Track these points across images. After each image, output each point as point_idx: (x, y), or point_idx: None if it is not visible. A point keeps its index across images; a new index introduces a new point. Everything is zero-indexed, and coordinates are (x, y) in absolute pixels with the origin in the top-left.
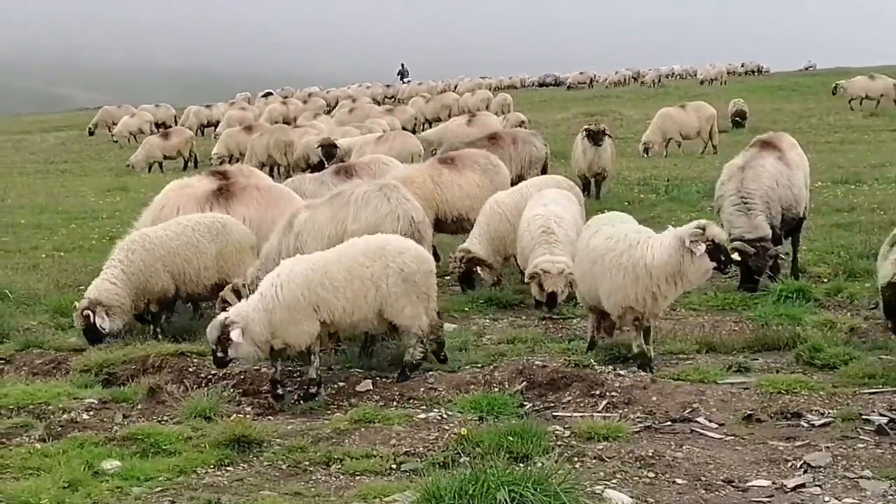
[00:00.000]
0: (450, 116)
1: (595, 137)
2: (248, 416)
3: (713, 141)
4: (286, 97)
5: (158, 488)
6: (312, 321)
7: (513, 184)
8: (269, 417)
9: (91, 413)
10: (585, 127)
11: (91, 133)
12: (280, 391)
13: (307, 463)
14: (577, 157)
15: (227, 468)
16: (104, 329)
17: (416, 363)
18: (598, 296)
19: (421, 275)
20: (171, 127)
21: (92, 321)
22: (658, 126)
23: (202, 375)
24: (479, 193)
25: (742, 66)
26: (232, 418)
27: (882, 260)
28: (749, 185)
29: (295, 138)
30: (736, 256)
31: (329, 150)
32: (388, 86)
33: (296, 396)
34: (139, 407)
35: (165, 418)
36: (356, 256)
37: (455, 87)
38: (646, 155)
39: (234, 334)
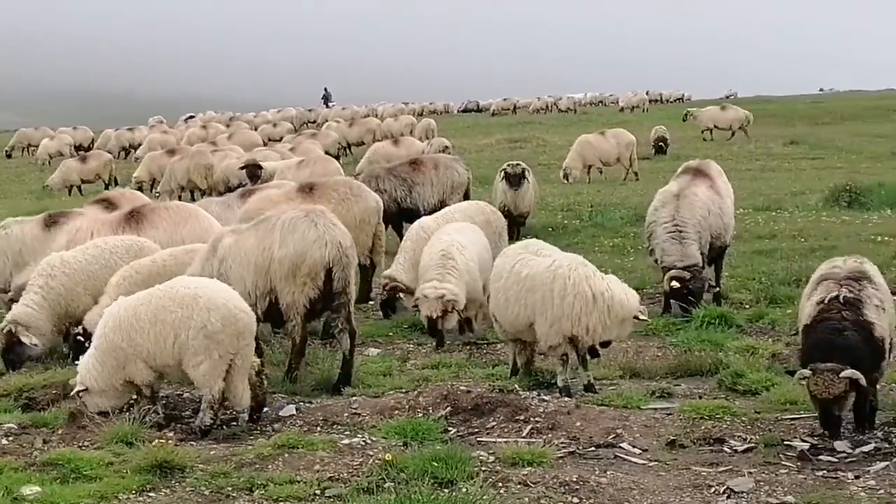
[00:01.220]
0: (373, 141)
1: (512, 181)
2: (170, 441)
3: (633, 168)
4: (207, 121)
5: None
6: (135, 361)
7: (435, 209)
8: (192, 443)
9: (10, 438)
10: (504, 168)
11: (8, 156)
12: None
13: (230, 489)
14: (497, 195)
15: (149, 494)
16: (27, 351)
17: (206, 429)
18: (526, 324)
19: (227, 335)
20: (89, 150)
21: (12, 344)
22: (578, 153)
23: None
24: None
25: (661, 94)
26: (154, 443)
27: (805, 300)
28: (684, 214)
29: (215, 161)
30: (675, 284)
31: (253, 170)
32: (310, 110)
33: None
34: (59, 432)
35: (86, 443)
36: (165, 300)
37: (378, 113)
38: (566, 181)
39: (75, 392)
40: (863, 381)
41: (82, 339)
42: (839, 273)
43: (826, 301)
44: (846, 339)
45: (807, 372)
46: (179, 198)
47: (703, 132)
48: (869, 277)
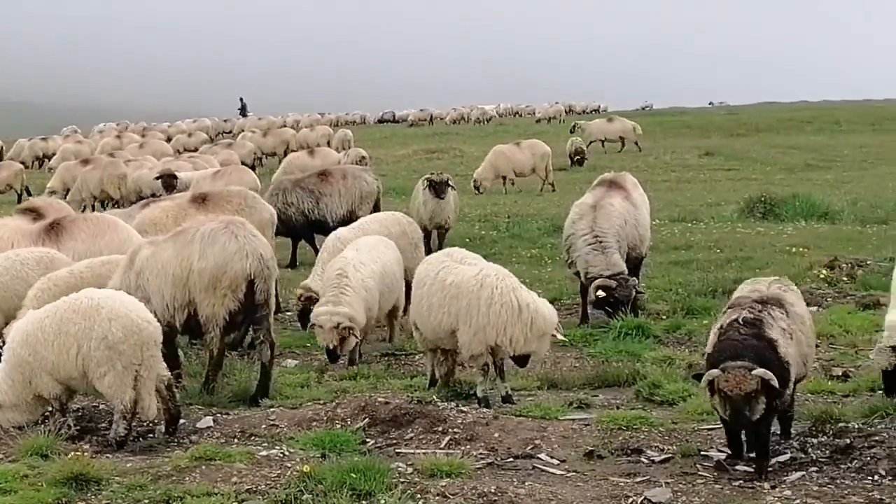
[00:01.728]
0: (288, 151)
1: (438, 189)
2: (86, 453)
3: (548, 179)
4: (121, 131)
5: None
6: (40, 374)
7: (344, 220)
8: (108, 455)
9: None
10: (427, 177)
11: None
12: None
13: (147, 501)
14: (417, 206)
15: None
16: None
17: (121, 440)
18: (448, 332)
19: (129, 346)
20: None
21: None
22: (491, 163)
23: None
24: None
25: (575, 105)
26: (70, 456)
27: (713, 327)
28: (602, 224)
29: (128, 172)
30: (601, 293)
31: (168, 180)
32: (225, 120)
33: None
34: None
35: (1, 456)
36: (69, 312)
37: (293, 124)
38: (477, 192)
39: None
40: (775, 383)
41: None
42: (747, 298)
43: (726, 325)
44: (752, 344)
45: (716, 371)
46: (93, 208)
47: (589, 144)
48: (780, 302)
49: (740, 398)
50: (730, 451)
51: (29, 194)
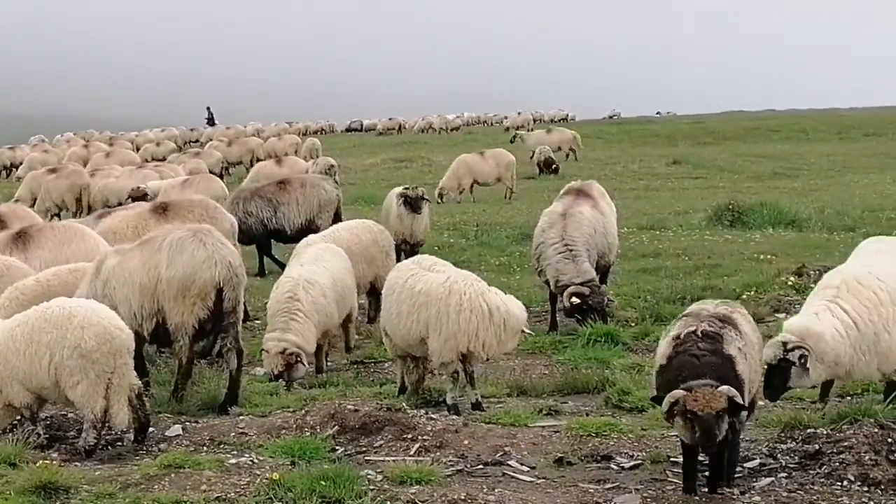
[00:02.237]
0: (254, 161)
1: (413, 205)
2: (54, 462)
3: (511, 187)
4: (88, 140)
5: None
6: (11, 384)
7: (302, 229)
8: (77, 463)
9: None
10: (402, 192)
11: None
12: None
13: None
14: (391, 221)
15: None
16: None
17: (90, 449)
18: (418, 339)
19: (102, 354)
20: None
21: None
22: (454, 172)
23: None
24: None
25: (543, 115)
26: (38, 464)
27: (663, 337)
28: (572, 233)
29: (90, 181)
30: (575, 300)
31: (140, 198)
32: (192, 129)
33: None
34: None
35: None
36: (40, 321)
37: (259, 132)
38: (440, 201)
39: None
40: (740, 400)
41: None
42: (702, 313)
43: (682, 336)
44: (712, 362)
45: (680, 392)
46: (59, 216)
47: (531, 157)
48: (735, 324)
49: (711, 417)
50: (683, 483)
51: None
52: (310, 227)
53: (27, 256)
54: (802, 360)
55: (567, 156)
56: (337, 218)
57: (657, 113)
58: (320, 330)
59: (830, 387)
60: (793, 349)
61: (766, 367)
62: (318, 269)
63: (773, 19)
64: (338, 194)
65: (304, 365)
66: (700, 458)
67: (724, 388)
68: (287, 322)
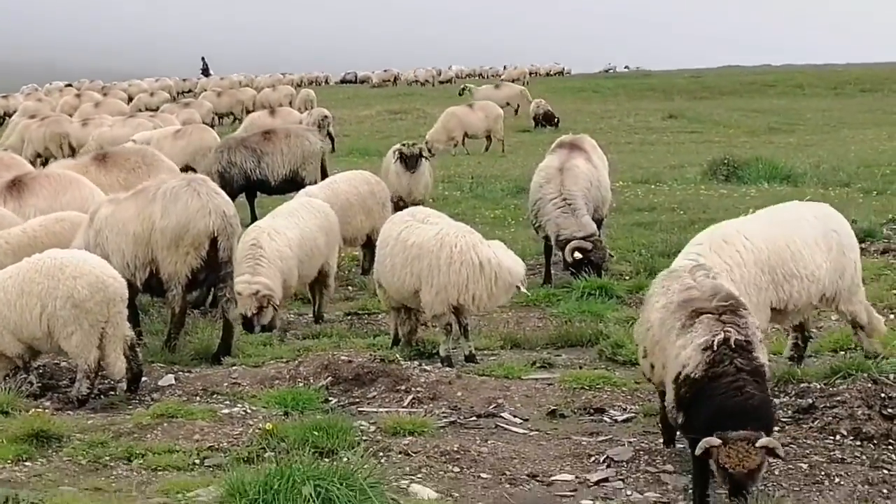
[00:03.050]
0: (246, 112)
1: (409, 163)
2: (47, 410)
3: (499, 138)
4: (80, 90)
5: None
6: (2, 334)
7: (286, 180)
8: (69, 412)
9: None
10: (397, 148)
11: None
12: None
13: (108, 458)
14: (389, 179)
15: (26, 463)
16: None
17: (83, 399)
18: (412, 292)
19: (95, 303)
20: None
21: None
22: (443, 125)
23: None
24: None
25: (539, 68)
26: (30, 413)
27: (674, 337)
28: (570, 187)
29: (70, 130)
30: (577, 255)
31: None
32: (184, 80)
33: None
34: None
35: None
36: (31, 272)
37: (255, 83)
38: (430, 154)
39: None
40: (780, 452)
41: None
42: (708, 300)
43: (715, 347)
44: (754, 400)
45: (716, 441)
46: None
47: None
48: (739, 300)
49: (743, 475)
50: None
51: None
52: (294, 179)
53: (21, 205)
54: None
55: (515, 111)
56: (322, 169)
57: (607, 69)
58: (281, 282)
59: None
60: None
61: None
62: (289, 222)
63: None
64: (322, 146)
65: (274, 309)
66: None
67: (765, 440)
68: (254, 266)
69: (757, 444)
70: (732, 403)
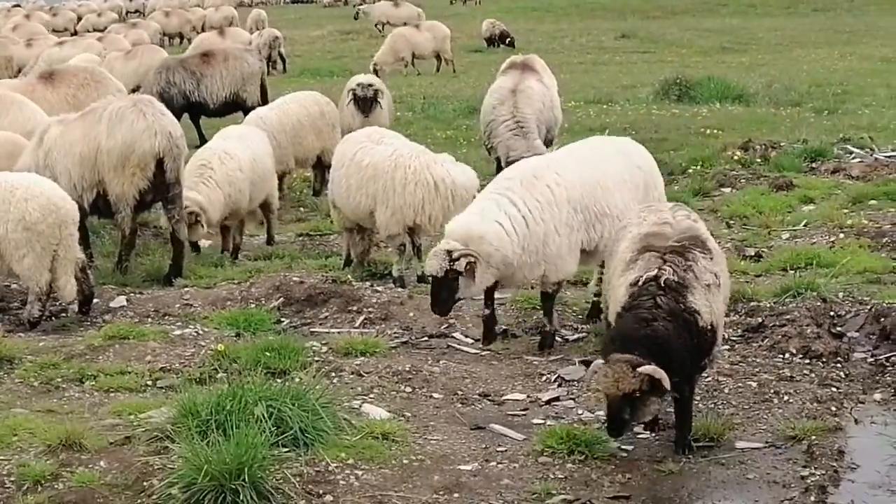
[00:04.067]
0: (196, 32)
1: (363, 107)
2: None
3: (448, 60)
4: (29, 13)
5: None
6: None
7: (227, 102)
8: (21, 334)
9: None
10: (351, 89)
11: None
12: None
13: (60, 380)
14: (343, 116)
15: None
16: None
17: (34, 321)
18: (367, 213)
19: (47, 226)
20: None
21: None
22: (390, 46)
23: None
24: (69, 110)
25: None
26: None
27: (619, 273)
28: (524, 109)
29: (15, 52)
30: None
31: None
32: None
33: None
34: None
35: None
36: None
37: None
38: (374, 74)
39: None
40: (666, 384)
41: None
42: (666, 237)
43: (640, 284)
44: (656, 334)
45: (599, 362)
46: None
47: (375, 26)
48: (702, 244)
49: (616, 398)
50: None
51: None
52: (235, 101)
53: None
54: (469, 269)
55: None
56: (263, 90)
57: None
58: (230, 205)
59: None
60: (458, 258)
61: (430, 279)
62: (241, 145)
63: None
64: (261, 67)
65: (202, 226)
66: None
67: (648, 367)
68: (196, 184)
69: (638, 369)
70: (629, 329)
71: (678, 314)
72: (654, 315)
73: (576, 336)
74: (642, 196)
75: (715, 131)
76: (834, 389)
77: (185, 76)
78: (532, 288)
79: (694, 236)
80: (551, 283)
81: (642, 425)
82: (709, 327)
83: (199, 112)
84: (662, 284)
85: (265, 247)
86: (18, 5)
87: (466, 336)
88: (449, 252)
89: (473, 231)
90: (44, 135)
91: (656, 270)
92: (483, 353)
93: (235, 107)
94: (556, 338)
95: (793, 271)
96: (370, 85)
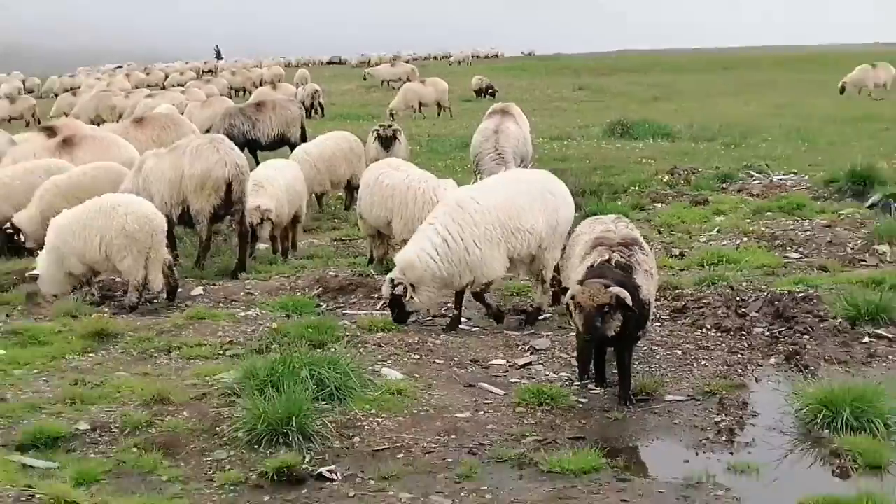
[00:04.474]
0: (255, 86)
1: (385, 143)
2: (106, 314)
3: (446, 107)
4: (129, 73)
5: (35, 371)
6: (69, 258)
7: (275, 139)
8: (123, 316)
9: None
10: (376, 129)
11: None
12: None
13: (153, 350)
14: (369, 153)
15: (90, 355)
16: None
17: (133, 306)
18: (386, 222)
19: (142, 234)
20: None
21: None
22: (403, 96)
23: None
24: (154, 146)
25: (479, 52)
26: (93, 316)
27: (577, 263)
28: (504, 145)
29: (117, 102)
30: None
31: None
32: (205, 62)
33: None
34: (19, 308)
35: (40, 317)
36: (91, 211)
37: (259, 65)
38: (391, 118)
39: (29, 274)
40: (629, 302)
41: (10, 231)
42: (612, 238)
43: (596, 265)
44: (615, 275)
45: (577, 287)
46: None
47: (382, 83)
48: (640, 244)
49: (594, 309)
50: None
51: (38, 122)
52: (282, 139)
53: (72, 158)
54: (405, 292)
55: (407, 81)
56: (303, 130)
57: (528, 53)
58: (276, 214)
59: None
60: (397, 285)
61: (387, 300)
62: (278, 174)
63: None
64: (301, 113)
65: (271, 221)
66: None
67: (616, 288)
68: (257, 190)
69: (609, 289)
70: (597, 270)
71: (626, 284)
72: (613, 276)
73: (544, 316)
74: (553, 216)
75: (649, 160)
76: (739, 356)
77: (243, 120)
78: (511, 279)
79: (632, 238)
80: (480, 284)
81: (594, 383)
82: (646, 302)
83: (255, 147)
84: (613, 264)
85: (307, 248)
86: (120, 66)
87: (462, 316)
88: (391, 280)
89: (406, 261)
90: (142, 165)
91: (608, 255)
92: (474, 329)
93: (282, 143)
94: (523, 316)
95: (708, 266)
96: (390, 126)
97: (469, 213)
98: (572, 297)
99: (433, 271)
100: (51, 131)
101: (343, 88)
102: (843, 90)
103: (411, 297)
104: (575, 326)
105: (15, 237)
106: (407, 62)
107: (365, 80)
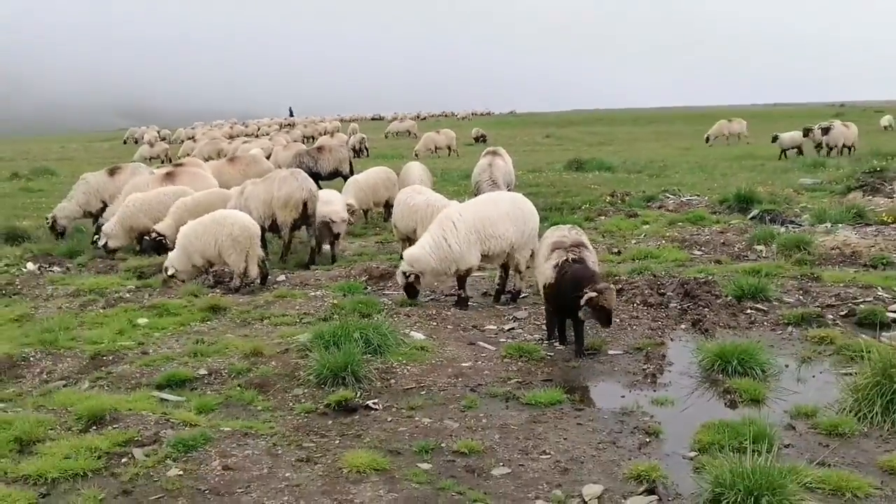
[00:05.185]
0: (319, 135)
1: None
2: (218, 294)
3: (454, 150)
4: (232, 126)
5: (169, 332)
6: (193, 255)
7: (331, 173)
8: (229, 296)
9: (131, 293)
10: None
11: (124, 142)
12: (236, 285)
13: (250, 319)
14: (404, 181)
15: (207, 322)
16: (108, 247)
17: (236, 289)
18: (412, 231)
19: (244, 238)
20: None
21: (105, 246)
22: (423, 142)
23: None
24: (242, 179)
25: (478, 111)
26: (209, 296)
27: (543, 261)
28: (496, 174)
29: (223, 146)
30: None
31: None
32: (286, 119)
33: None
34: (157, 290)
35: (172, 296)
36: (209, 221)
37: (323, 120)
38: (416, 157)
39: (164, 269)
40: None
41: (157, 237)
42: (566, 242)
43: (560, 264)
44: (589, 273)
45: (593, 293)
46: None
47: (397, 134)
48: (586, 245)
49: (611, 308)
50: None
51: (170, 160)
52: (336, 172)
53: (174, 185)
54: (416, 279)
55: (410, 134)
56: (351, 166)
57: (511, 112)
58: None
59: (464, 282)
60: (410, 275)
61: (402, 285)
62: (333, 194)
63: (582, 35)
64: (350, 155)
65: (352, 222)
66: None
67: (613, 287)
68: (331, 202)
69: (612, 288)
70: (581, 273)
71: (595, 275)
72: (584, 269)
73: (524, 294)
74: (521, 226)
75: (596, 186)
76: (660, 323)
77: (308, 159)
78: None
79: (581, 241)
80: (462, 271)
81: (558, 342)
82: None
83: (317, 178)
84: (571, 261)
85: (357, 248)
86: (222, 122)
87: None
88: (404, 272)
89: (412, 257)
90: (243, 189)
91: (567, 255)
92: (472, 303)
93: (336, 175)
94: (509, 295)
95: (637, 260)
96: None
97: (453, 222)
98: (591, 301)
99: (430, 264)
100: (175, 166)
101: (381, 137)
102: (707, 140)
103: (417, 282)
104: (583, 315)
105: (163, 241)
106: (424, 119)
107: (386, 137)
